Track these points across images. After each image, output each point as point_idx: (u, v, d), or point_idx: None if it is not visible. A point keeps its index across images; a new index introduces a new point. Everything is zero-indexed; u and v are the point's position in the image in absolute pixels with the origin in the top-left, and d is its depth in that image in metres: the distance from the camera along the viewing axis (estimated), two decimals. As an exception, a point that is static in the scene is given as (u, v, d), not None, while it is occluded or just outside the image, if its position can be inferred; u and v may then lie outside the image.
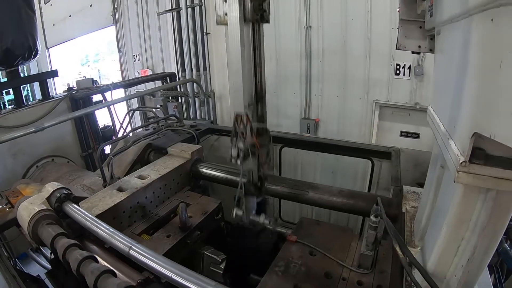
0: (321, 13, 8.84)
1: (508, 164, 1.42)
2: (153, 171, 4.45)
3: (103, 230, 2.80)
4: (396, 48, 3.23)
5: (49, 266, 7.20)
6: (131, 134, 5.82)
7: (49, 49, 14.07)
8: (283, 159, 6.34)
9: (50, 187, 3.41)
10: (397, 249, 2.11)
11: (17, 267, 4.73)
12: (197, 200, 4.35)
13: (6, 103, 12.27)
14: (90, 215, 3.06)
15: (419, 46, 3.02)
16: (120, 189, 4.05)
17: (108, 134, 7.46)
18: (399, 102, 8.53)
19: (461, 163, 1.49)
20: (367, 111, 8.98)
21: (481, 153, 1.46)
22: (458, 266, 1.79)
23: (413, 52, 3.20)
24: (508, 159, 1.45)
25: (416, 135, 8.68)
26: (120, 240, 2.62)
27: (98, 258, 2.71)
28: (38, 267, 6.64)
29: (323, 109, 9.52)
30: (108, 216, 3.59)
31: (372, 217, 2.81)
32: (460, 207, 1.68)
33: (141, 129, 6.10)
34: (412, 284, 2.15)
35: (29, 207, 3.20)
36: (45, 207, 3.20)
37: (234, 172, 4.38)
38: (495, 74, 1.28)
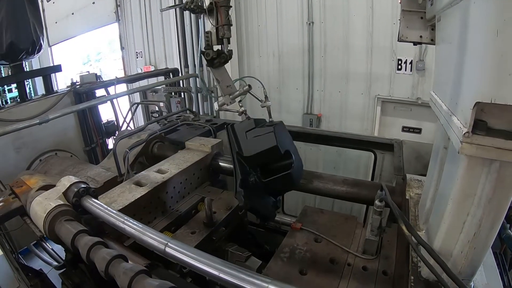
0: (323, 9, 8.86)
1: (509, 135, 1.45)
2: (172, 165, 4.29)
3: (132, 226, 2.56)
4: (398, 40, 3.24)
5: (51, 261, 7.28)
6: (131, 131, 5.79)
7: (52, 47, 14.09)
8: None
9: (67, 181, 3.21)
10: (403, 228, 2.12)
11: (20, 261, 4.75)
12: (219, 195, 4.21)
13: (9, 101, 12.26)
14: (114, 211, 2.83)
15: (421, 36, 3.03)
16: (139, 184, 3.90)
17: (112, 129, 7.48)
18: (401, 97, 8.55)
19: (464, 133, 1.51)
20: (369, 106, 9.00)
21: (482, 124, 1.49)
22: (464, 242, 1.80)
23: (414, 44, 3.21)
24: (509, 132, 1.48)
25: (418, 130, 8.69)
26: (153, 237, 2.37)
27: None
28: (41, 263, 6.68)
29: (325, 104, 9.55)
30: (128, 212, 3.34)
31: (376, 202, 2.84)
32: (465, 181, 1.70)
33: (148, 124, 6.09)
34: (419, 264, 2.18)
35: (44, 202, 3.01)
36: (62, 202, 3.00)
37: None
38: (494, 39, 1.33)
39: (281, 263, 3.03)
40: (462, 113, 1.64)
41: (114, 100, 7.13)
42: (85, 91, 6.72)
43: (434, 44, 2.84)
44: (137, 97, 10.07)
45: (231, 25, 3.69)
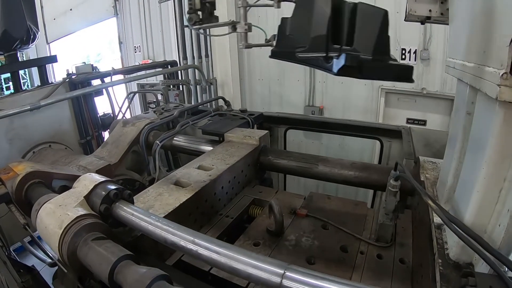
0: (325, -2, 8.65)
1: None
2: (217, 161, 3.68)
3: (221, 251, 1.73)
4: (405, 18, 3.14)
5: (45, 258, 7.10)
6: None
7: (50, 44, 13.91)
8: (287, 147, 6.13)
9: (88, 180, 2.44)
10: (430, 202, 1.89)
11: (11, 257, 4.56)
12: (273, 195, 3.63)
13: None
14: (183, 227, 1.99)
15: (430, 10, 2.92)
16: (179, 184, 3.26)
17: (108, 121, 7.29)
18: (405, 87, 8.37)
19: (502, 75, 1.35)
20: (372, 97, 8.84)
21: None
22: (503, 213, 1.59)
23: (422, 23, 3.11)
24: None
25: (422, 122, 8.57)
26: (264, 266, 1.59)
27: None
28: (35, 260, 6.51)
29: (328, 96, 9.38)
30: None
31: (391, 181, 2.62)
32: (502, 138, 1.51)
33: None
34: (446, 246, 1.94)
35: (59, 211, 2.19)
36: (85, 212, 2.21)
37: (308, 160, 3.87)
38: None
39: (286, 252, 2.77)
40: (496, 59, 1.48)
41: (111, 92, 6.96)
42: (80, 81, 6.52)
43: (443, 20, 2.83)
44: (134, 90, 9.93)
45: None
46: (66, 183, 3.68)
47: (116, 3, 12.36)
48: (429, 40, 7.81)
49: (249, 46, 3.57)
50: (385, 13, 2.36)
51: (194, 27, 3.50)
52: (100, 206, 2.24)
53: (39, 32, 6.30)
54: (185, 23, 6.61)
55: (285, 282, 1.48)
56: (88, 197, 2.33)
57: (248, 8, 3.39)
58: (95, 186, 2.35)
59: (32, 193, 3.21)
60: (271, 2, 3.20)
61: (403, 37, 8.02)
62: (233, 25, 3.71)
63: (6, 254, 3.98)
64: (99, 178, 2.45)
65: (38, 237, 7.78)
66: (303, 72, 9.37)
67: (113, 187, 2.33)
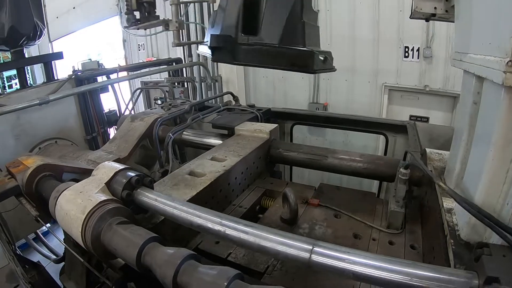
0: (329, -4, 8.75)
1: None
2: (229, 153, 3.70)
3: (249, 230, 1.79)
4: (411, 16, 3.25)
5: (50, 254, 7.15)
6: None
7: (52, 43, 13.92)
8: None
9: (107, 168, 2.47)
10: (442, 184, 1.95)
11: (16, 252, 4.60)
12: (284, 187, 3.59)
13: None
14: (205, 208, 2.07)
15: (435, 8, 3.00)
16: (194, 174, 3.30)
17: (113, 118, 7.33)
18: (408, 85, 8.46)
19: (508, 62, 1.44)
20: (376, 95, 8.90)
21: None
22: (510, 193, 1.66)
23: (427, 20, 3.22)
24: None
25: (425, 119, 8.62)
26: (292, 243, 1.66)
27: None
28: (39, 257, 6.56)
29: (332, 93, 9.45)
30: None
31: (401, 169, 2.71)
32: (508, 120, 1.60)
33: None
34: (456, 228, 2.01)
35: (80, 197, 2.21)
36: (108, 197, 2.24)
37: (318, 153, 3.89)
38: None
39: (301, 238, 2.85)
40: (500, 48, 1.57)
41: (117, 89, 6.99)
42: (86, 77, 6.57)
43: (448, 18, 2.94)
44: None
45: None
46: (76, 176, 3.70)
47: (119, 1, 12.36)
48: (432, 38, 7.87)
49: (179, 44, 3.57)
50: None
51: (131, 28, 3.44)
52: (122, 192, 2.28)
53: (45, 29, 6.33)
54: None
55: (314, 257, 1.54)
56: (109, 184, 2.37)
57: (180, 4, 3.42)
58: (116, 173, 2.39)
59: (43, 186, 3.19)
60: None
61: (406, 35, 8.10)
62: (165, 24, 3.67)
63: (12, 250, 4.00)
64: (119, 165, 2.51)
65: (43, 233, 7.85)
66: (307, 69, 9.37)
67: (133, 174, 2.38)
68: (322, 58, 2.61)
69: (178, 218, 2.06)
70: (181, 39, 4.25)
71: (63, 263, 4.91)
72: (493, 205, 1.74)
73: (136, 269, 1.82)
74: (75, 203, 2.18)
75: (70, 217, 2.16)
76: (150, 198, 2.26)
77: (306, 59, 2.35)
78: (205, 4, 9.64)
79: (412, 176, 3.06)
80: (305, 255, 1.55)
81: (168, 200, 2.19)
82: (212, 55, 2.80)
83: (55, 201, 2.35)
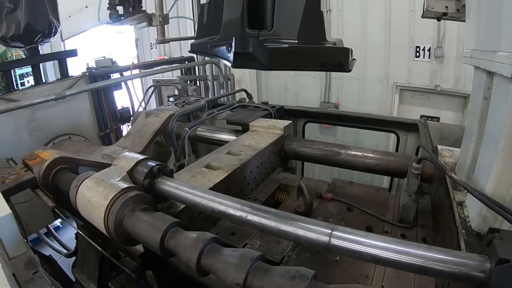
0: (341, -4, 8.78)
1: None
2: (244, 147, 3.77)
3: (269, 216, 1.85)
4: (422, 15, 3.29)
5: (61, 249, 7.26)
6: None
7: (65, 42, 14.03)
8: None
9: (128, 158, 2.56)
10: (453, 176, 2.01)
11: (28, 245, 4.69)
12: (298, 181, 3.60)
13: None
14: (221, 194, 2.18)
15: (446, 7, 3.06)
16: (210, 167, 3.39)
17: (126, 115, 7.41)
18: (419, 84, 8.46)
19: None
20: (387, 94, 8.92)
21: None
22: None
23: (438, 19, 3.29)
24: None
25: (436, 119, 8.59)
26: (314, 228, 1.72)
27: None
28: (51, 251, 6.65)
29: (343, 93, 9.49)
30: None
31: (414, 164, 2.76)
32: None
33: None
34: (468, 220, 2.06)
35: (102, 185, 2.27)
36: (130, 185, 2.30)
37: (331, 149, 3.92)
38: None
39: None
40: (509, 43, 1.66)
41: (130, 86, 7.07)
42: (100, 74, 6.65)
43: (459, 17, 2.99)
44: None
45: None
46: (92, 169, 3.76)
47: (131, 1, 12.41)
48: (443, 38, 7.88)
49: (164, 41, 3.49)
50: None
51: (114, 24, 3.32)
52: (143, 181, 2.36)
53: (60, 27, 6.40)
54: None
55: (333, 241, 1.60)
56: (130, 173, 2.45)
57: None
58: (137, 163, 2.48)
59: (59, 178, 3.25)
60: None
61: (417, 35, 8.11)
62: (148, 18, 3.59)
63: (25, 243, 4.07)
64: (140, 156, 2.59)
65: (55, 228, 7.94)
66: (319, 68, 9.41)
67: (154, 163, 2.46)
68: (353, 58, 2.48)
69: (199, 206, 2.13)
70: (166, 35, 4.23)
71: (74, 257, 4.99)
72: (503, 195, 1.80)
73: (159, 253, 1.88)
74: (98, 191, 2.26)
75: (92, 204, 2.23)
76: (171, 186, 2.34)
77: (342, 57, 2.25)
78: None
79: (423, 172, 3.10)
80: (325, 238, 1.62)
81: (189, 188, 2.25)
82: (233, 62, 2.47)
83: (76, 190, 2.42)
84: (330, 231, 1.62)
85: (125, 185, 2.25)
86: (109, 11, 4.81)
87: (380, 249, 1.52)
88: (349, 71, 2.32)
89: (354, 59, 2.58)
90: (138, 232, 2.01)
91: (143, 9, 3.94)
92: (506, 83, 1.71)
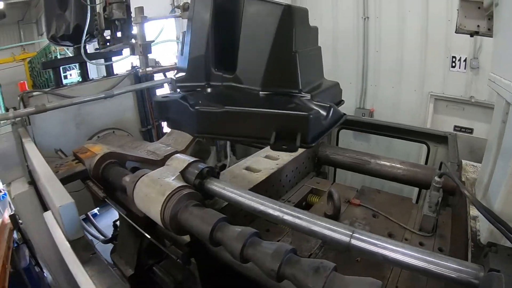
0: (378, 4, 8.84)
1: None
2: (281, 152, 3.85)
3: (302, 216, 2.13)
4: (456, 31, 3.35)
5: (99, 235, 7.66)
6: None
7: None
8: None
9: (180, 160, 2.86)
10: (466, 192, 2.21)
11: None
12: (330, 186, 3.91)
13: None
14: (262, 196, 2.44)
15: (478, 26, 3.14)
16: (250, 169, 3.71)
17: (168, 113, 7.67)
18: (454, 95, 8.41)
19: None
20: (421, 103, 8.88)
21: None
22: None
23: (471, 35, 3.33)
24: None
25: (470, 130, 8.52)
26: (336, 228, 1.97)
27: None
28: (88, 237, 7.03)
29: (378, 100, 9.50)
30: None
31: (436, 178, 2.95)
32: None
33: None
34: (478, 233, 2.28)
35: (158, 183, 2.58)
36: (184, 184, 2.61)
37: (362, 157, 4.18)
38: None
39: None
40: None
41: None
42: (144, 74, 6.96)
43: (491, 35, 2.95)
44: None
45: (123, 1, 3.20)
46: (137, 165, 4.07)
47: (174, 1, 12.66)
48: (479, 49, 7.78)
49: (145, 72, 3.46)
50: (285, 10, 1.73)
51: (101, 50, 3.33)
52: (194, 181, 2.70)
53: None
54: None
55: (353, 241, 1.88)
56: (182, 173, 2.77)
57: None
58: (189, 164, 2.81)
59: (109, 171, 3.61)
60: (171, 15, 2.95)
61: (454, 45, 8.02)
62: (131, 47, 3.54)
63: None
64: (190, 158, 2.91)
65: (93, 215, 8.37)
66: (355, 74, 9.58)
67: (204, 166, 2.78)
68: (324, 114, 2.22)
69: (243, 205, 2.44)
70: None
71: (110, 243, 5.31)
72: (511, 214, 1.97)
73: (208, 242, 2.20)
74: (155, 187, 2.57)
75: (150, 199, 2.55)
76: (219, 187, 2.66)
77: (299, 128, 2.09)
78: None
79: (447, 185, 3.30)
80: (346, 239, 1.90)
81: (235, 189, 2.58)
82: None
83: (134, 185, 2.75)
84: (351, 233, 1.90)
85: (179, 184, 2.56)
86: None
87: (391, 251, 1.77)
88: (309, 147, 2.10)
89: (342, 101, 2.62)
90: (191, 224, 2.32)
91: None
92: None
